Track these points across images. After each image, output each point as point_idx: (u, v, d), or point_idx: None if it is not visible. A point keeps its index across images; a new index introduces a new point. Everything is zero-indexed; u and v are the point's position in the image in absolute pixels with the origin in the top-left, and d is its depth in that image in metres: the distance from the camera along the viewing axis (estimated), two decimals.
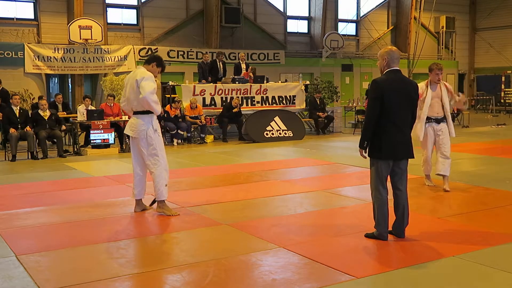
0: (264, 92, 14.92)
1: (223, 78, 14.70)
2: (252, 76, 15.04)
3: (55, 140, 11.05)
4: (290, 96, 15.32)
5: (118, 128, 11.88)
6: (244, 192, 7.02)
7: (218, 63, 15.01)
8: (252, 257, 4.34)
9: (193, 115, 13.31)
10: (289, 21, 22.63)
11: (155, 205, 5.99)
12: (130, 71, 19.98)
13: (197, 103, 13.46)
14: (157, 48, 18.64)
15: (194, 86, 14.13)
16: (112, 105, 12.40)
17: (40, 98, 12.22)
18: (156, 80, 5.92)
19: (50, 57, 16.78)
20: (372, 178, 4.73)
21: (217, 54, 15.52)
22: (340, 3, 23.60)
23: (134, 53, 18.18)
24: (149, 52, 18.48)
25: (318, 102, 15.45)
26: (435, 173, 6.99)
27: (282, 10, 22.38)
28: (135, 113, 5.83)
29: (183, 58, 18.84)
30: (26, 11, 17.44)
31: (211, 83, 14.43)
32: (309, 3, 22.99)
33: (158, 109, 5.75)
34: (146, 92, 5.58)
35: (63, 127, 11.43)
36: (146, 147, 5.75)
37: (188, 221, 5.57)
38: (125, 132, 6.04)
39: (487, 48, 27.12)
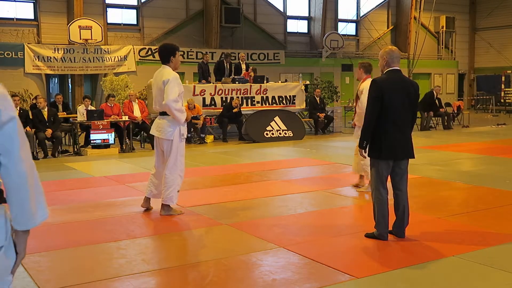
0: (264, 92, 14.92)
1: (223, 78, 14.70)
2: (252, 75, 15.03)
3: (54, 140, 11.04)
4: (290, 96, 15.31)
5: (118, 128, 11.88)
6: (244, 192, 7.02)
7: (225, 64, 14.98)
8: (252, 257, 4.34)
9: (192, 115, 13.30)
10: (289, 21, 22.63)
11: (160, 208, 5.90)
12: (130, 71, 19.84)
13: (194, 103, 13.44)
14: (157, 48, 18.59)
15: (194, 86, 14.13)
16: (112, 105, 12.39)
17: (35, 98, 12.20)
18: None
19: (50, 57, 16.77)
20: (372, 178, 4.73)
21: (224, 55, 15.47)
22: (340, 3, 23.60)
23: (134, 53, 18.19)
24: (149, 52, 18.50)
25: (318, 102, 15.44)
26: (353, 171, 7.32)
27: (282, 10, 22.38)
28: (162, 113, 5.71)
29: (183, 58, 18.83)
30: (26, 11, 17.44)
31: (211, 83, 14.44)
32: (309, 3, 22.99)
33: (181, 117, 5.55)
34: (168, 99, 5.42)
35: (59, 133, 11.15)
36: (169, 150, 5.66)
37: (188, 221, 5.57)
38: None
39: (487, 48, 27.12)
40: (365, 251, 4.46)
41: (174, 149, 5.67)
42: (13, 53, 16.34)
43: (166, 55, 5.69)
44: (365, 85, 6.52)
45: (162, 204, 5.79)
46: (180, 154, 5.75)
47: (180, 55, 5.79)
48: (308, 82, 16.73)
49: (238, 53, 17.43)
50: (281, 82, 16.69)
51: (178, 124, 5.65)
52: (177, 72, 5.79)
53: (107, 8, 18.54)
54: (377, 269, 4.06)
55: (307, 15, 23.11)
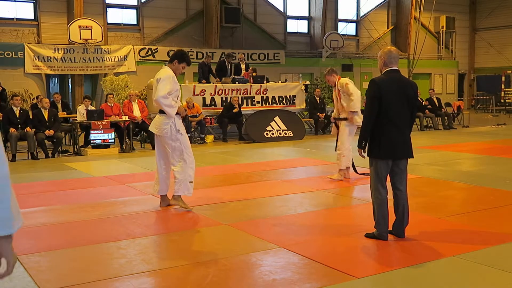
0: (264, 92, 14.92)
1: (223, 78, 14.70)
2: (252, 76, 15.04)
3: (55, 140, 11.03)
4: (290, 96, 15.31)
5: (118, 128, 11.88)
6: (244, 192, 7.02)
7: (226, 64, 14.98)
8: (252, 257, 4.34)
9: (192, 114, 13.31)
10: (289, 21, 22.62)
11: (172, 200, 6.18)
12: (130, 71, 19.87)
13: (193, 102, 13.44)
14: (157, 48, 18.65)
15: (194, 86, 14.13)
16: (112, 104, 12.39)
17: (37, 97, 12.20)
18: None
19: (50, 57, 16.77)
20: (371, 178, 4.73)
21: (226, 55, 15.45)
22: (340, 3, 23.60)
23: (134, 53, 18.18)
24: (149, 52, 18.50)
25: (318, 102, 15.44)
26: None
27: (282, 10, 22.38)
28: (160, 111, 5.93)
29: None
30: (26, 11, 17.43)
31: (211, 83, 14.45)
32: (309, 3, 22.99)
33: (170, 112, 5.80)
34: (157, 95, 5.69)
35: (60, 134, 11.16)
36: (171, 145, 5.89)
37: (188, 221, 5.58)
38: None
39: (487, 48, 27.11)
40: (365, 251, 4.46)
41: (171, 144, 5.89)
42: (13, 53, 16.33)
43: (174, 57, 5.99)
44: (342, 81, 7.68)
45: (173, 194, 6.07)
46: (185, 147, 5.96)
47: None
48: (308, 82, 16.72)
49: (238, 53, 17.44)
50: (281, 82, 16.68)
51: (173, 121, 5.87)
52: None
53: (107, 8, 18.53)
54: (377, 269, 4.06)
55: (307, 15, 23.11)
